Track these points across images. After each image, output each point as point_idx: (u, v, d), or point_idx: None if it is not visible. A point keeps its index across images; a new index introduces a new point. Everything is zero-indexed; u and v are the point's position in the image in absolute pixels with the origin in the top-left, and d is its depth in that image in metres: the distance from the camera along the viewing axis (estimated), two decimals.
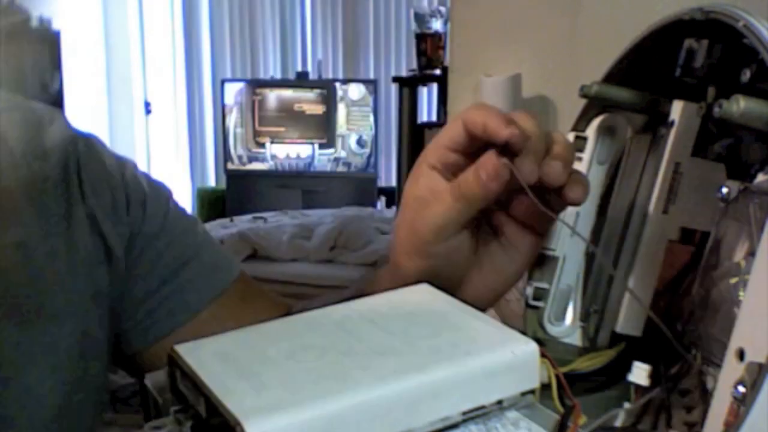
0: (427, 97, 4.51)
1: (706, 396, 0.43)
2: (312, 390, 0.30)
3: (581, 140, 0.54)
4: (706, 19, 0.46)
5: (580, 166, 0.53)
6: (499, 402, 0.33)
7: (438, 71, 3.22)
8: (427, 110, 4.61)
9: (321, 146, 4.71)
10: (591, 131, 0.54)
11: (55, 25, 4.37)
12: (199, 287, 0.65)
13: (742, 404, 0.36)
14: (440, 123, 3.25)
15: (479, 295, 0.50)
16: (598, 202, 0.54)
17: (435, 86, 3.53)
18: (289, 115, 4.71)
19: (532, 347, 0.34)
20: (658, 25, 0.50)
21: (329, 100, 4.67)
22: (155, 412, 0.35)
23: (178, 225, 0.66)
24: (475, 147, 0.46)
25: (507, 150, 0.44)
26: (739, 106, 0.40)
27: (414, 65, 3.46)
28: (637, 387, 0.45)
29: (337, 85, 4.73)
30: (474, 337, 0.35)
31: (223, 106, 4.76)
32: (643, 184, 0.53)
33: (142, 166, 0.67)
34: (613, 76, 0.54)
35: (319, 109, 4.69)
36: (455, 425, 0.32)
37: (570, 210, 0.50)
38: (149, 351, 0.64)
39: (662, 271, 0.50)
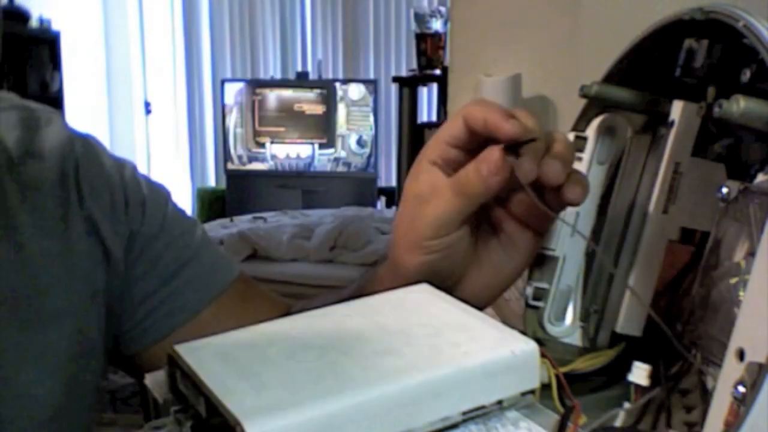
0: (427, 97, 4.52)
1: (706, 396, 0.43)
2: (312, 390, 0.30)
3: (581, 140, 0.54)
4: (706, 19, 0.46)
5: (580, 166, 0.53)
6: (499, 402, 0.33)
7: (438, 71, 3.23)
8: (427, 110, 4.62)
9: (321, 146, 4.71)
10: (591, 131, 0.54)
11: (55, 25, 4.37)
12: (199, 288, 0.65)
13: (742, 404, 0.36)
14: (440, 123, 3.24)
15: (478, 292, 0.50)
16: (598, 202, 0.54)
17: (435, 86, 3.53)
18: (289, 115, 4.71)
19: (532, 347, 0.34)
20: (658, 25, 0.50)
21: (329, 100, 4.67)
22: (155, 412, 0.35)
23: (177, 226, 0.66)
24: (475, 143, 0.46)
25: (508, 146, 0.44)
26: (739, 106, 0.40)
27: (414, 65, 3.46)
28: (637, 387, 0.45)
29: (337, 85, 4.73)
30: (474, 337, 0.35)
31: (223, 106, 4.76)
32: (643, 184, 0.53)
33: (142, 166, 0.67)
34: (613, 76, 0.54)
35: (319, 109, 4.69)
36: (455, 425, 0.32)
37: (570, 210, 0.50)
38: (149, 351, 0.64)
39: (662, 271, 0.50)
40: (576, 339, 0.54)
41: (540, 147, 0.44)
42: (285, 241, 3.29)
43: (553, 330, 0.53)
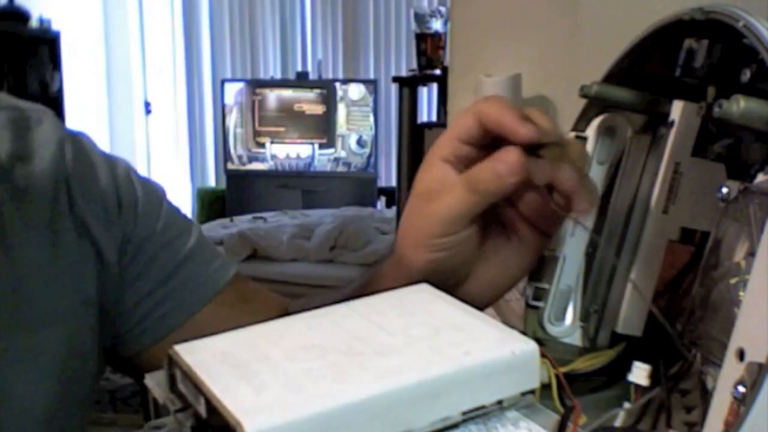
0: (427, 97, 4.52)
1: (706, 396, 0.43)
2: (312, 390, 0.30)
3: (581, 140, 0.54)
4: (706, 19, 0.46)
5: None
6: (499, 402, 0.33)
7: (438, 71, 3.22)
8: (427, 110, 4.61)
9: (321, 146, 4.71)
10: (591, 131, 0.54)
11: (55, 25, 4.37)
12: (195, 288, 0.64)
13: (742, 404, 0.36)
14: (440, 123, 3.25)
15: (483, 290, 0.50)
16: (598, 202, 0.54)
17: (435, 86, 3.53)
18: (289, 115, 4.71)
19: (532, 347, 0.34)
20: (658, 25, 0.50)
21: (329, 100, 4.67)
22: (155, 412, 0.35)
23: (172, 226, 0.65)
24: (488, 139, 0.45)
25: (522, 146, 0.44)
26: (739, 106, 0.40)
27: (414, 65, 3.46)
28: (637, 387, 0.45)
29: (337, 85, 4.73)
30: (474, 337, 0.35)
31: (223, 106, 4.76)
32: (643, 184, 0.53)
33: (141, 167, 0.66)
34: (613, 76, 0.54)
35: (319, 109, 4.70)
36: (455, 425, 0.32)
37: None
38: (147, 353, 0.63)
39: (662, 271, 0.50)
40: (576, 339, 0.54)
41: (557, 151, 0.44)
42: (285, 241, 3.29)
43: (553, 330, 0.53)
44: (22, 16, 4.09)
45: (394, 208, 3.93)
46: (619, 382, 0.47)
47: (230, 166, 4.78)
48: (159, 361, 0.35)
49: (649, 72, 0.53)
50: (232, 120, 4.75)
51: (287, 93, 4.75)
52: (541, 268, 0.53)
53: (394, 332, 0.35)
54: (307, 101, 4.71)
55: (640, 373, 0.44)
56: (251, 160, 4.76)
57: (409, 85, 3.18)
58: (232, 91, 4.75)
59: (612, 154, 0.55)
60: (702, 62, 0.48)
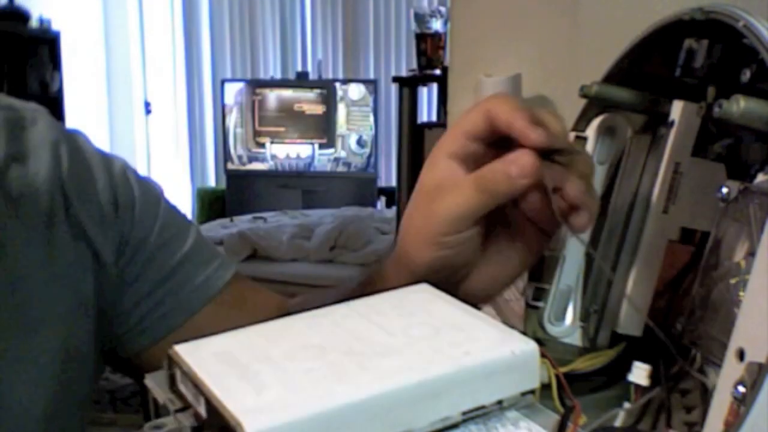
0: (427, 97, 4.51)
1: (706, 396, 0.43)
2: (312, 390, 0.30)
3: (581, 140, 0.54)
4: (706, 19, 0.46)
5: None
6: (499, 402, 0.33)
7: (438, 71, 3.22)
8: (427, 110, 4.61)
9: (321, 146, 4.71)
10: (591, 131, 0.54)
11: (55, 25, 4.38)
12: (194, 289, 0.64)
13: (742, 404, 0.36)
14: (440, 123, 3.25)
15: (483, 286, 0.49)
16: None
17: (435, 86, 3.53)
18: (289, 115, 4.71)
19: (532, 347, 0.34)
20: (658, 25, 0.50)
21: (329, 100, 4.67)
22: (155, 412, 0.35)
23: (170, 226, 0.64)
24: (496, 137, 0.45)
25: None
26: (739, 106, 0.40)
27: (414, 65, 3.46)
28: (637, 387, 0.45)
29: (337, 85, 4.73)
30: (474, 337, 0.35)
31: (223, 106, 4.77)
32: (643, 184, 0.53)
33: (141, 167, 0.66)
34: (613, 76, 0.54)
35: (319, 109, 4.70)
36: (455, 425, 0.32)
37: None
38: (147, 353, 0.63)
39: (662, 271, 0.50)
40: (576, 339, 0.54)
41: (567, 158, 0.44)
42: (285, 241, 3.29)
43: (553, 330, 0.53)
44: (22, 16, 4.09)
45: (394, 208, 3.93)
46: (619, 382, 0.47)
47: (230, 166, 4.78)
48: (159, 361, 0.35)
49: (649, 72, 0.53)
50: (232, 120, 4.75)
51: (287, 93, 4.75)
52: (541, 268, 0.54)
53: (394, 332, 0.35)
54: (307, 101, 4.71)
55: (640, 373, 0.44)
56: (251, 160, 4.77)
57: (409, 85, 3.18)
58: (232, 91, 4.75)
59: (612, 154, 0.55)
60: (702, 62, 0.48)
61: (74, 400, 0.60)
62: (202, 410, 0.31)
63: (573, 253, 0.53)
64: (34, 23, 4.22)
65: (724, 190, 0.44)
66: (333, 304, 0.39)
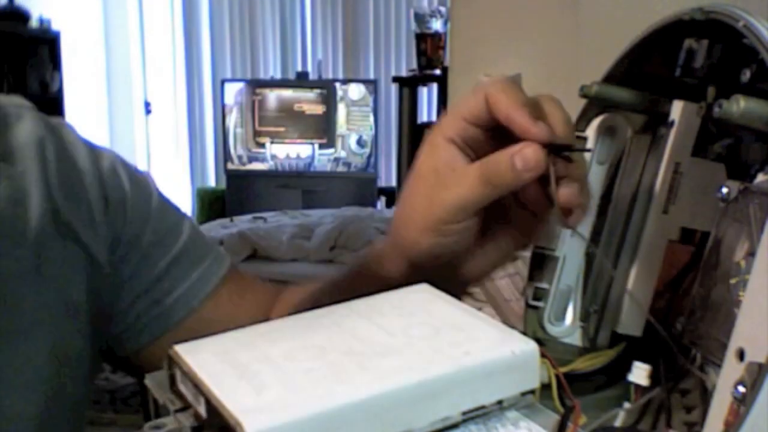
0: (427, 97, 4.51)
1: (706, 396, 0.43)
2: (312, 390, 0.30)
3: (581, 140, 0.54)
4: (706, 19, 0.46)
5: None
6: (499, 402, 0.33)
7: (438, 71, 3.23)
8: (427, 110, 4.61)
9: (321, 146, 4.71)
10: (591, 131, 0.54)
11: (55, 25, 4.38)
12: (192, 285, 0.63)
13: (742, 404, 0.36)
14: None
15: (478, 269, 0.50)
16: (598, 202, 0.54)
17: (435, 86, 3.53)
18: (289, 115, 4.71)
19: (532, 347, 0.34)
20: (658, 25, 0.50)
21: (329, 100, 4.67)
22: (155, 412, 0.35)
23: (164, 221, 0.63)
24: (495, 123, 0.44)
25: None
26: (739, 106, 0.40)
27: (414, 65, 3.46)
28: (637, 387, 0.45)
29: (337, 85, 4.73)
30: (474, 337, 0.35)
31: (223, 106, 4.76)
32: (643, 184, 0.53)
33: (142, 166, 0.65)
34: (613, 76, 0.54)
35: (319, 109, 4.69)
36: (455, 425, 0.32)
37: None
38: (146, 351, 0.63)
39: (662, 271, 0.50)
40: (576, 339, 0.54)
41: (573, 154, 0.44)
42: (285, 241, 3.29)
43: (553, 330, 0.53)
44: (22, 16, 4.09)
45: (393, 208, 3.93)
46: (619, 382, 0.47)
47: (230, 166, 4.78)
48: (158, 359, 0.35)
49: (649, 72, 0.53)
50: (232, 120, 4.75)
51: (287, 93, 4.74)
52: (541, 268, 0.54)
53: (394, 332, 0.35)
54: (307, 101, 4.71)
55: (640, 373, 0.44)
56: (251, 160, 4.76)
57: (409, 85, 3.19)
58: (232, 91, 4.75)
59: (612, 154, 0.55)
60: (702, 62, 0.48)
61: (69, 403, 0.59)
62: (202, 410, 0.31)
63: (573, 253, 0.53)
64: (34, 23, 4.22)
65: (724, 190, 0.44)
66: (333, 305, 0.39)
